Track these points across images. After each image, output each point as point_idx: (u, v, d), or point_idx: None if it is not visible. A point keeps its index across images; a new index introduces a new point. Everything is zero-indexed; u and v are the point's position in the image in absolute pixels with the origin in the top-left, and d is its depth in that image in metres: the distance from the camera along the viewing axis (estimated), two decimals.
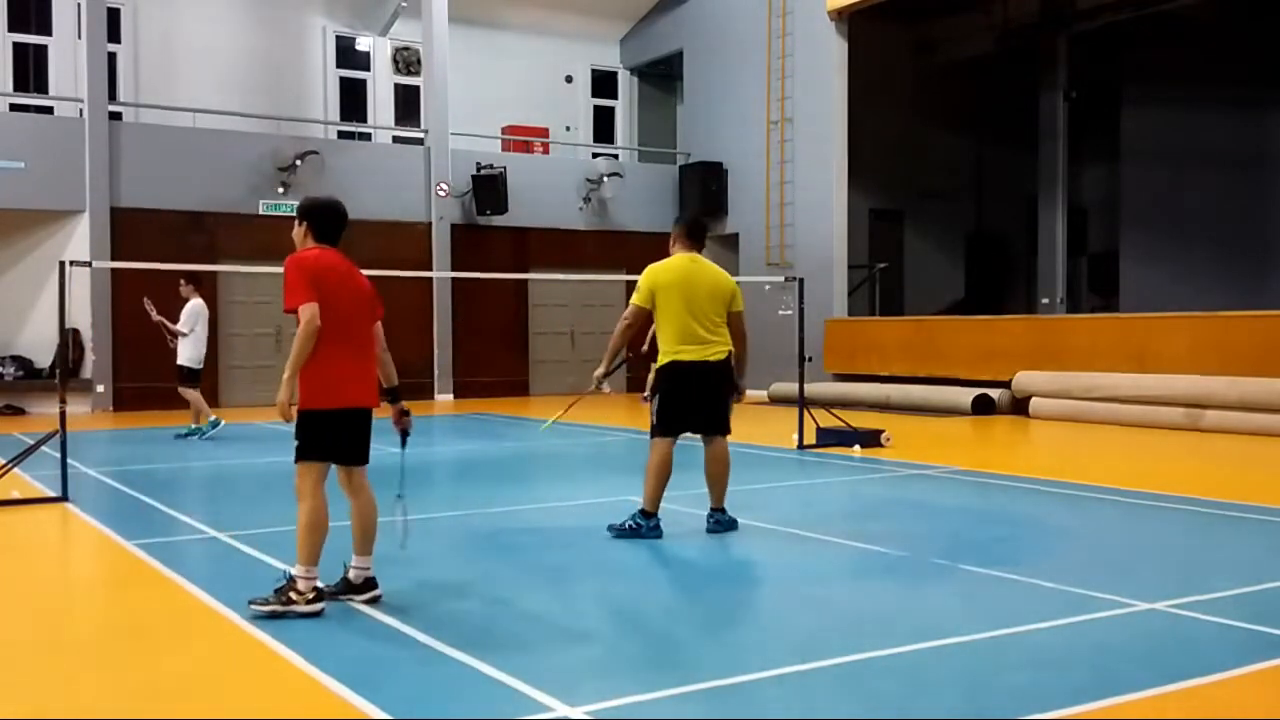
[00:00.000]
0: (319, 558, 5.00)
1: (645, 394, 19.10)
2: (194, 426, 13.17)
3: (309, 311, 4.95)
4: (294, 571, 4.98)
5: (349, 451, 5.17)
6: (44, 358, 17.18)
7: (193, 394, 13.17)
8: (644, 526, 6.90)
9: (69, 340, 15.12)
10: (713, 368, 6.96)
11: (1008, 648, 4.54)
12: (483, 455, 11.81)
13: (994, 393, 15.81)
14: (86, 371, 17.21)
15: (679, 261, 7.04)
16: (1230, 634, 4.66)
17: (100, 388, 17.20)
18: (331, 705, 3.90)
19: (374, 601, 5.10)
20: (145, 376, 17.14)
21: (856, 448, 11.36)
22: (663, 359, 6.99)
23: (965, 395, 15.85)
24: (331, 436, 5.08)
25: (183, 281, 13.22)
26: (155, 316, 12.93)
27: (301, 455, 5.07)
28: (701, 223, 7.36)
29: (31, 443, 8.96)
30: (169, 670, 4.39)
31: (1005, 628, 4.77)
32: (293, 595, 4.91)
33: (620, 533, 6.90)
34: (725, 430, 7.10)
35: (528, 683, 4.02)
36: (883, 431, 11.90)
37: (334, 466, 5.19)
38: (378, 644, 4.60)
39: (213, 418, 13.23)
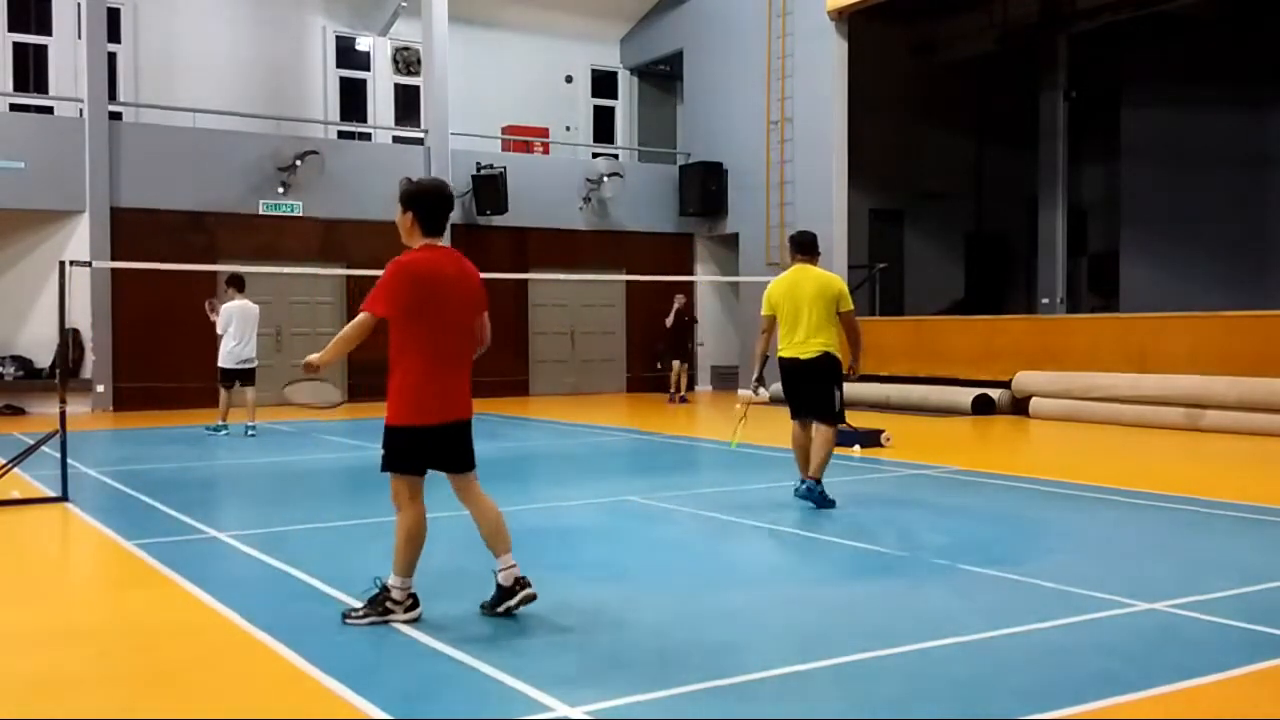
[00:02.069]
0: (414, 569, 4.86)
1: (672, 393, 19.15)
2: (249, 423, 13.24)
3: (359, 324, 4.74)
4: (389, 581, 4.84)
5: (446, 462, 4.96)
6: (44, 358, 17.18)
7: (223, 393, 13.29)
8: (798, 489, 8.03)
9: (69, 340, 15.15)
10: (804, 364, 7.98)
11: (1008, 648, 4.54)
12: (483, 455, 11.74)
13: (994, 393, 15.81)
14: (86, 371, 17.20)
15: (789, 274, 8.20)
16: (1230, 634, 4.66)
17: (100, 388, 17.19)
18: (331, 705, 3.90)
19: (529, 599, 4.87)
20: (145, 376, 17.15)
21: (856, 448, 11.36)
22: (778, 355, 8.15)
23: (965, 395, 15.85)
24: (423, 450, 4.88)
25: (225, 285, 13.39)
26: (212, 318, 13.25)
27: (391, 467, 4.87)
28: (805, 238, 8.39)
29: (31, 443, 8.96)
30: (169, 669, 4.39)
31: (1005, 628, 4.77)
32: (389, 605, 4.81)
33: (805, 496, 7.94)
34: (826, 418, 8.04)
35: (528, 683, 4.02)
36: (883, 431, 11.90)
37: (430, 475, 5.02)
38: (377, 644, 4.60)
39: (221, 423, 13.22)
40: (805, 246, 8.27)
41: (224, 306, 13.21)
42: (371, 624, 4.79)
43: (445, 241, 5.06)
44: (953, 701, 3.88)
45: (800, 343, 7.95)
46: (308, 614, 5.12)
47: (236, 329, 13.12)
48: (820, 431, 8.02)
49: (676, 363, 19.47)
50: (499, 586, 4.93)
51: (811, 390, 8.00)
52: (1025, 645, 4.56)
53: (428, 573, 5.14)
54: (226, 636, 4.78)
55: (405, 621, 4.80)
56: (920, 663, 4.31)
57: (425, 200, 4.90)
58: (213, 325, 13.23)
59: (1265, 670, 4.18)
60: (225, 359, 13.18)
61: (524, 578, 4.91)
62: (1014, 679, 4.12)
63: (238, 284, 13.26)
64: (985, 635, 4.65)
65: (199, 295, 13.41)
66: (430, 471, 4.97)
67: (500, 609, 4.91)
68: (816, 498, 7.86)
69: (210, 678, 4.28)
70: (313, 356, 4.94)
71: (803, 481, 8.05)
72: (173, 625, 5.07)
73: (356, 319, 4.79)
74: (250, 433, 13.10)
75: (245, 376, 13.27)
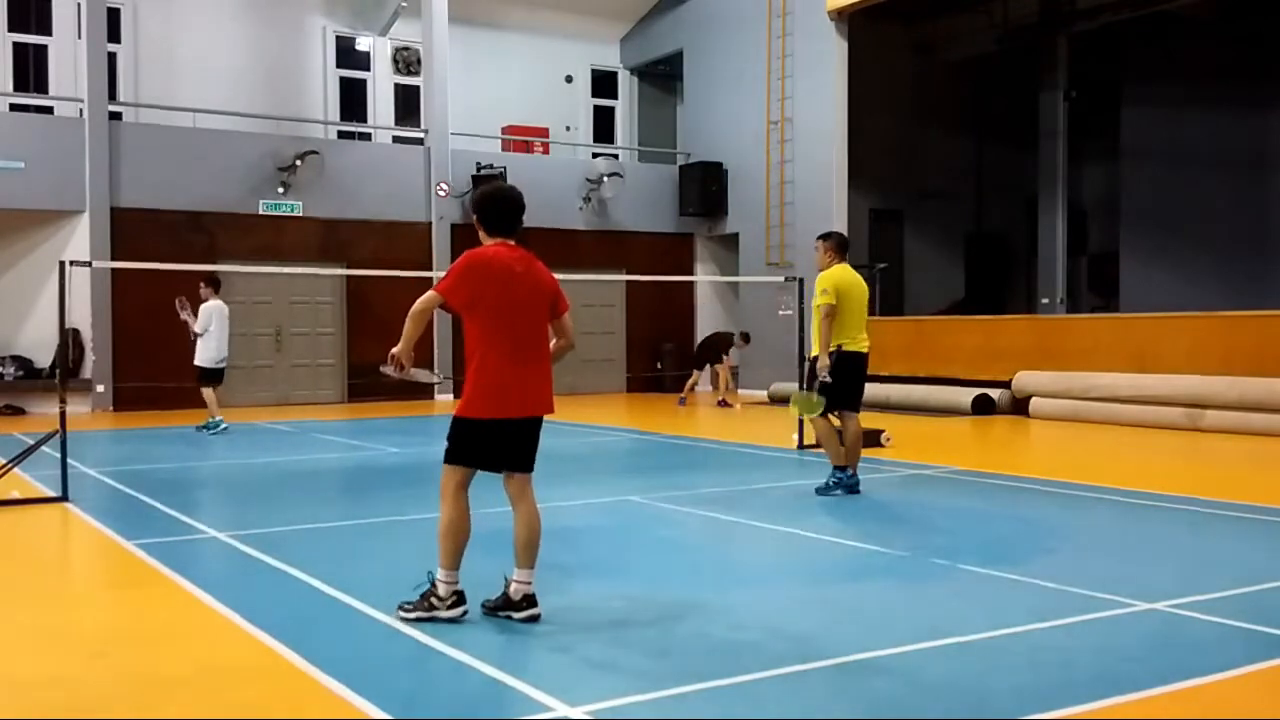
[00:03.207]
0: (459, 562, 4.87)
1: (721, 399, 18.76)
2: (207, 422, 13.43)
3: (425, 299, 4.89)
4: (436, 576, 4.87)
5: (506, 459, 4.99)
6: (44, 358, 17.18)
7: (208, 393, 13.45)
8: (842, 480, 8.49)
9: (69, 340, 15.15)
10: (865, 359, 8.61)
11: (1008, 648, 4.54)
12: None
13: (994, 393, 15.80)
14: (86, 371, 17.20)
15: (846, 270, 8.55)
16: (1230, 634, 4.66)
17: (100, 388, 17.19)
18: (331, 705, 3.90)
19: (533, 620, 4.83)
20: (145, 376, 17.15)
21: None
22: (834, 346, 8.35)
23: (965, 395, 15.84)
24: (483, 445, 4.91)
25: (202, 284, 13.50)
26: (183, 315, 13.32)
27: (446, 458, 4.94)
28: (845, 239, 8.92)
29: (31, 443, 8.96)
30: (168, 670, 4.39)
31: (1005, 628, 4.77)
32: (434, 601, 4.83)
33: (825, 490, 8.44)
34: (859, 409, 8.71)
35: (528, 683, 4.03)
36: (883, 431, 11.90)
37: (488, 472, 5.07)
38: (378, 644, 4.60)
39: (218, 418, 13.38)
40: (846, 246, 8.77)
41: (204, 307, 13.34)
42: (419, 619, 4.80)
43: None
44: (953, 701, 3.88)
45: (864, 339, 8.49)
46: (307, 614, 5.12)
47: (217, 328, 13.36)
48: (857, 424, 8.69)
49: (700, 371, 18.99)
50: (507, 595, 4.92)
51: (863, 384, 8.72)
52: (1025, 645, 4.56)
53: (424, 574, 5.13)
54: (226, 636, 4.78)
55: (448, 620, 4.79)
56: (920, 663, 4.31)
57: (487, 204, 5.11)
58: (184, 324, 13.34)
59: (1266, 670, 4.18)
60: (208, 359, 13.35)
61: (534, 597, 4.90)
62: (1014, 679, 4.12)
63: (215, 284, 13.51)
64: (985, 635, 4.65)
65: (199, 295, 13.47)
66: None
67: (500, 614, 4.91)
68: (857, 486, 8.53)
69: (210, 678, 4.28)
70: (396, 350, 5.01)
71: (843, 470, 8.50)
72: (172, 625, 5.07)
73: (422, 296, 4.91)
74: (207, 431, 13.28)
75: (222, 376, 13.59)
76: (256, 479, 10.28)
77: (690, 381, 19.09)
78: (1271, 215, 20.73)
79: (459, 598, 4.85)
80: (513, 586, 4.91)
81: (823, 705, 3.88)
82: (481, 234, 5.09)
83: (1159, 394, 13.69)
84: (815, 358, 8.43)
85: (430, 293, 4.92)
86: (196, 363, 13.41)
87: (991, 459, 11.52)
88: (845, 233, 19.26)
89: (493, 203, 5.08)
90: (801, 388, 8.88)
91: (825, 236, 8.82)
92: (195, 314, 13.34)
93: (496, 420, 4.89)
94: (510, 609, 4.89)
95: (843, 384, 8.42)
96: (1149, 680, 4.03)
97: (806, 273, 15.92)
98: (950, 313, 21.92)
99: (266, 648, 4.55)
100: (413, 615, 4.83)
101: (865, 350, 8.53)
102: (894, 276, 22.24)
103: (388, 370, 5.10)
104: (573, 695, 3.87)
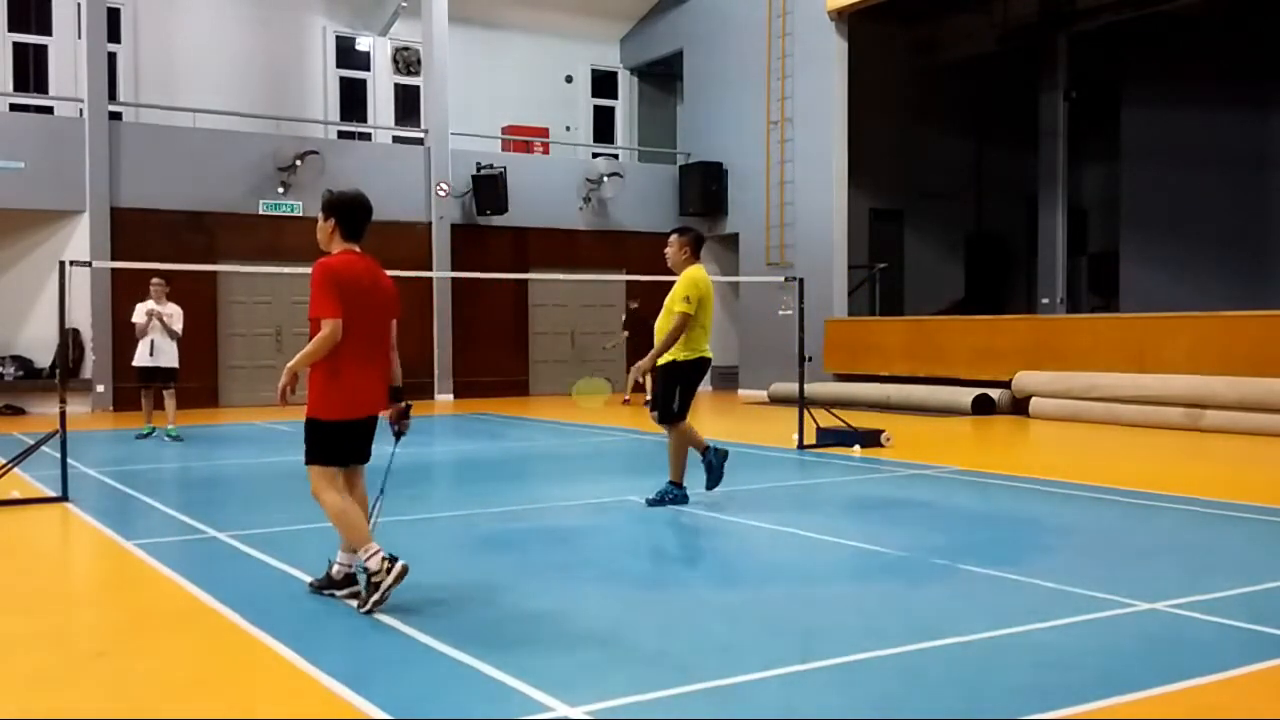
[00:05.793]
0: (368, 534, 5.09)
1: (649, 400, 18.44)
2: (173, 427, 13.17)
3: (331, 326, 5.04)
4: (362, 561, 5.04)
5: (357, 454, 5.33)
6: (44, 358, 17.18)
7: (171, 396, 13.10)
8: (679, 495, 7.94)
9: (69, 340, 15.15)
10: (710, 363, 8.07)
11: (1008, 648, 4.54)
12: (483, 455, 11.80)
13: (994, 393, 15.81)
14: (86, 371, 17.21)
15: (703, 272, 7.98)
16: (1230, 634, 4.66)
17: (100, 388, 17.19)
18: (332, 705, 3.90)
19: (353, 597, 5.18)
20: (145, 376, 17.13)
21: (856, 448, 11.36)
22: (690, 355, 7.82)
23: (965, 395, 15.85)
24: (344, 443, 5.22)
25: (161, 281, 13.02)
26: (138, 320, 12.89)
27: (317, 460, 5.18)
28: (704, 236, 8.33)
29: (31, 443, 8.96)
30: (169, 670, 4.39)
31: (1005, 628, 4.77)
32: (374, 579, 4.99)
33: (659, 502, 7.88)
34: None
35: (528, 683, 4.02)
36: (883, 431, 11.90)
37: None
38: (378, 644, 4.60)
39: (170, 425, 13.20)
40: (703, 244, 8.25)
41: (177, 310, 12.95)
42: (375, 603, 4.95)
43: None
44: (952, 701, 3.88)
45: (707, 345, 7.97)
46: (308, 614, 5.12)
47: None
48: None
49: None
50: (329, 576, 5.32)
51: None
52: (1025, 645, 4.56)
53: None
54: (226, 637, 4.78)
55: (396, 579, 4.94)
56: (920, 663, 4.31)
57: (345, 209, 5.30)
58: (170, 327, 12.87)
59: (1266, 670, 4.18)
60: (177, 360, 12.99)
61: (355, 575, 5.25)
62: (1014, 679, 4.12)
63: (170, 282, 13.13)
64: (985, 635, 4.65)
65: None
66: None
67: (324, 591, 5.28)
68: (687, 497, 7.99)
69: (210, 678, 4.28)
70: (284, 380, 5.19)
71: (681, 487, 7.96)
72: (172, 625, 5.07)
73: (324, 331, 5.06)
74: (166, 437, 13.01)
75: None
76: (256, 479, 10.29)
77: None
78: (1271, 215, 20.75)
79: (390, 560, 5.00)
80: (335, 568, 5.29)
81: (823, 705, 3.88)
82: (332, 237, 5.27)
83: (1159, 394, 13.69)
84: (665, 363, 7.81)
85: (328, 322, 5.05)
86: (172, 365, 12.91)
87: (991, 459, 11.52)
88: (847, 232, 19.66)
89: (355, 209, 5.30)
90: (668, 395, 7.88)
91: (684, 232, 8.16)
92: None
93: (352, 421, 5.18)
94: (333, 588, 5.27)
95: (691, 389, 7.90)
96: (1149, 680, 4.03)
97: (806, 273, 15.96)
98: (950, 313, 21.93)
99: (267, 647, 4.55)
100: (370, 605, 4.97)
101: (710, 356, 7.99)
102: (894, 276, 22.27)
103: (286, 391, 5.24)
104: (573, 695, 3.87)
